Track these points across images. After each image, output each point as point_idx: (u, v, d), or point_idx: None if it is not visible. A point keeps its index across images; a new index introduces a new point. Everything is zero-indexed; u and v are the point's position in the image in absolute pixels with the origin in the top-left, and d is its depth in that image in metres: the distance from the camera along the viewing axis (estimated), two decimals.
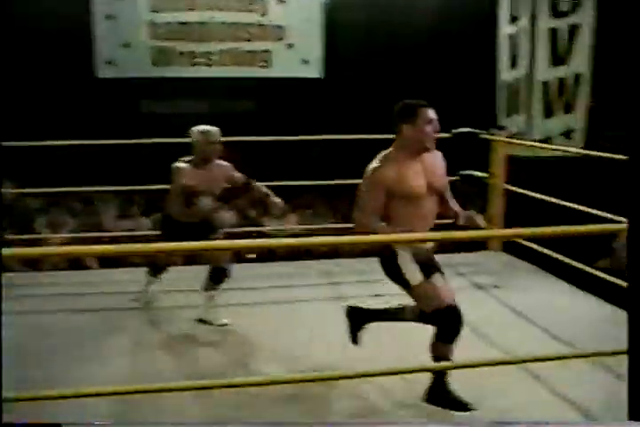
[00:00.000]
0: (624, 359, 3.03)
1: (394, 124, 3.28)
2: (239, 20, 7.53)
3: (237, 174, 4.40)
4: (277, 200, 4.36)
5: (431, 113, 3.25)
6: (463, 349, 3.20)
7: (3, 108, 6.31)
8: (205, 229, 4.28)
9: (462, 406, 3.20)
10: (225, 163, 4.37)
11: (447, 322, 3.16)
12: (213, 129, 4.25)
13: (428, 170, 3.26)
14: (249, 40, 7.62)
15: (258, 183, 4.44)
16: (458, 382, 3.22)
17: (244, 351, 3.93)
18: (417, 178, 3.20)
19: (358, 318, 3.59)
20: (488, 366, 2.42)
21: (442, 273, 3.29)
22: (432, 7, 9.98)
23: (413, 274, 3.18)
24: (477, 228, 3.29)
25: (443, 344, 3.17)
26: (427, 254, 3.27)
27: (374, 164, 3.23)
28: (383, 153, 3.27)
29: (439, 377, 3.23)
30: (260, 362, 3.75)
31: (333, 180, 5.98)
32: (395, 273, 3.23)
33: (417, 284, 3.18)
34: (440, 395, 3.24)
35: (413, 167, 3.21)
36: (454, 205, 3.44)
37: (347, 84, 9.59)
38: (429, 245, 3.29)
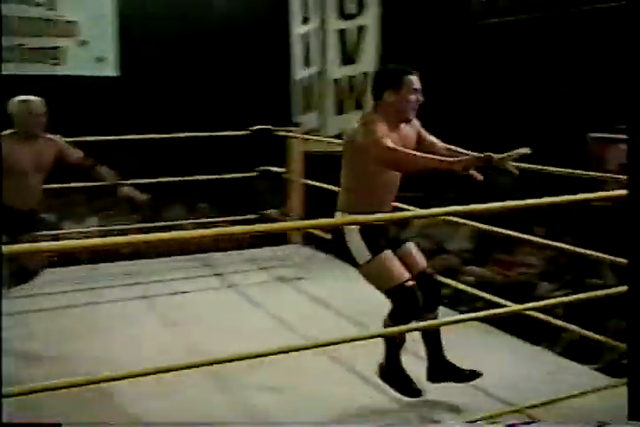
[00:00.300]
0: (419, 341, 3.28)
1: (375, 89, 3.08)
2: (23, 13, 7.19)
3: (72, 150, 3.98)
4: (129, 190, 3.96)
5: (417, 81, 3.05)
6: (271, 340, 3.31)
7: None
8: (28, 222, 3.82)
9: (411, 391, 3.13)
10: (54, 136, 3.95)
11: (398, 302, 2.98)
12: (35, 99, 3.86)
13: (403, 142, 3.05)
14: (37, 36, 7.29)
15: (104, 167, 4.00)
16: (271, 371, 3.30)
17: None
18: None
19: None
20: (295, 351, 2.53)
21: (400, 247, 3.13)
22: (228, 6, 10.09)
23: (360, 252, 3.00)
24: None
25: (392, 325, 3.00)
26: (381, 228, 3.08)
27: (364, 121, 3.00)
28: (366, 116, 3.07)
29: (390, 353, 3.12)
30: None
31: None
32: (343, 252, 3.06)
33: (364, 262, 3.02)
34: (391, 373, 3.15)
35: (392, 136, 2.97)
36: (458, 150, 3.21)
37: (144, 82, 9.47)
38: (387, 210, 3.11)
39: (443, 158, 2.85)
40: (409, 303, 2.96)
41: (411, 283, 2.99)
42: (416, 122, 3.18)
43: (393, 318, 2.99)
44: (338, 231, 3.04)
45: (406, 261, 3.11)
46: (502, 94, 9.29)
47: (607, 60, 7.83)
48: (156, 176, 5.74)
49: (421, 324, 2.97)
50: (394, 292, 2.97)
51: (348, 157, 3.12)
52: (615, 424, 2.40)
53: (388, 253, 3.02)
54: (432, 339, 3.22)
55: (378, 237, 3.04)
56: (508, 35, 9.55)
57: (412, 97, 3.00)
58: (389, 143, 2.85)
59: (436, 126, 3.39)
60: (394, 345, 3.13)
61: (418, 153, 2.88)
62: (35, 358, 3.71)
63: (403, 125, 3.08)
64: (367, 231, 3.00)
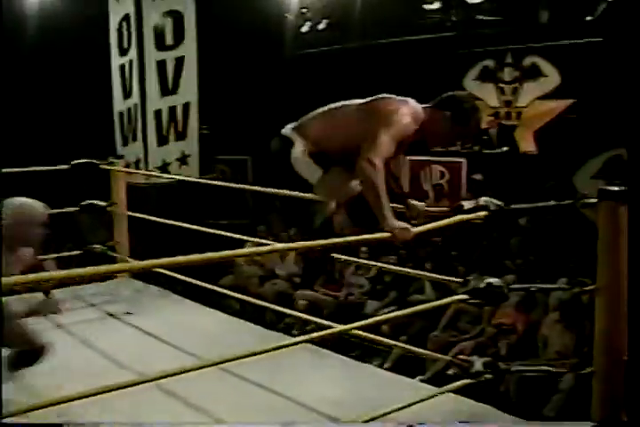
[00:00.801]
0: (246, 364, 3.34)
1: None
2: None
3: None
4: None
5: None
6: (99, 377, 3.23)
7: None
8: None
9: None
10: None
11: None
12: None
13: None
14: None
15: None
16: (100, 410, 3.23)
17: None
18: None
19: None
20: (123, 388, 2.49)
21: None
22: (46, 36, 9.74)
23: None
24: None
25: None
26: None
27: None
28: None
29: None
30: None
31: None
32: None
33: None
34: None
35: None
36: None
37: None
38: None
39: (386, 213, 2.95)
40: None
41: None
42: None
43: None
44: None
45: None
46: None
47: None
48: None
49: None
50: None
51: None
52: None
53: None
54: None
55: None
56: (321, 65, 9.93)
57: None
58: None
59: None
60: None
61: (382, 191, 2.95)
62: None
63: None
64: None
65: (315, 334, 2.91)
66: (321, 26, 10.05)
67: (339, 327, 2.98)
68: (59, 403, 2.42)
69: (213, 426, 3.16)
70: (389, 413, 3.08)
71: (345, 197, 3.19)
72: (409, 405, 3.13)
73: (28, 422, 2.43)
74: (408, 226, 2.94)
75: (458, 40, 8.97)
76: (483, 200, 3.19)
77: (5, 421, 2.05)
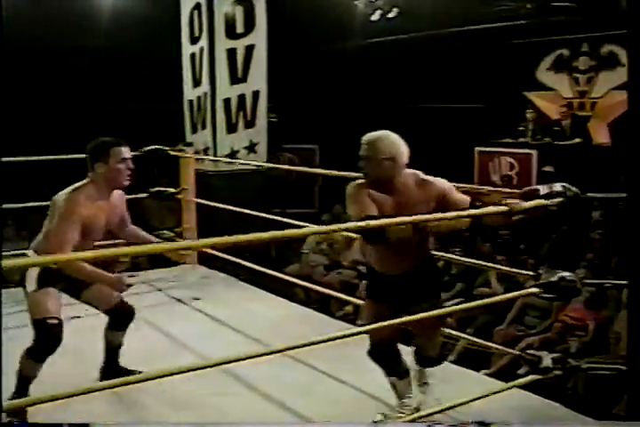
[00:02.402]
0: (315, 353, 3.35)
1: (88, 160, 3.26)
2: None
3: None
4: None
5: (125, 151, 3.28)
6: (166, 360, 3.28)
7: None
8: None
9: None
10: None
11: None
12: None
13: (112, 208, 3.35)
14: None
15: None
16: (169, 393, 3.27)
17: None
18: (104, 216, 3.29)
19: None
20: (193, 370, 2.52)
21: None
22: (117, 25, 9.93)
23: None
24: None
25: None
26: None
27: (66, 194, 3.19)
28: (75, 185, 3.25)
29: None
30: None
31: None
32: None
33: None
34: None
35: (102, 205, 3.26)
36: (145, 234, 3.62)
37: (26, 106, 9.19)
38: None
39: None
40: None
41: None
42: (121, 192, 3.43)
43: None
44: None
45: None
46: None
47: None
48: (43, 199, 5.57)
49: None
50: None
51: None
52: None
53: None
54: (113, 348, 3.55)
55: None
56: (391, 53, 9.82)
57: (122, 166, 3.25)
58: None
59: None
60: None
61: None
62: None
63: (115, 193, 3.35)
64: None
65: (379, 324, 2.88)
66: (391, 14, 9.95)
67: (404, 318, 2.94)
68: (131, 383, 2.45)
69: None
70: (456, 406, 3.03)
71: None
72: (475, 399, 3.08)
73: (28, 421, 2.48)
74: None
75: (532, 28, 8.76)
76: (559, 186, 3.04)
77: (4, 420, 2.09)
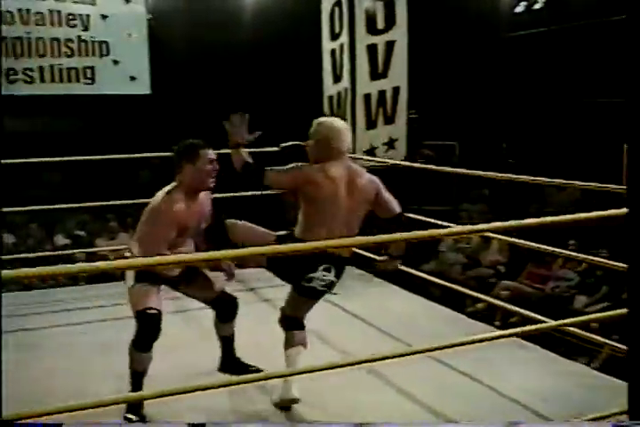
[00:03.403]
0: (454, 353, 3.30)
1: (175, 162, 3.37)
2: (58, 35, 7.34)
3: None
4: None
5: (211, 153, 3.38)
6: (308, 355, 3.33)
7: None
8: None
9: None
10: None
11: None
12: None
13: (199, 210, 3.41)
14: (70, 56, 7.43)
15: None
16: (306, 386, 3.31)
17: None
18: (195, 217, 3.38)
19: None
20: (333, 368, 2.54)
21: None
22: (259, 23, 10.18)
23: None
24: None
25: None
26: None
27: (160, 197, 3.31)
28: (167, 188, 3.36)
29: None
30: None
31: None
32: None
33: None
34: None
35: (193, 206, 3.35)
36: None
37: (174, 99, 9.58)
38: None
39: None
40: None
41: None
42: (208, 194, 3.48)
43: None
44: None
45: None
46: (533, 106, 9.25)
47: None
48: None
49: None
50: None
51: None
52: None
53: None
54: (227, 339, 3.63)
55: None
56: (537, 47, 9.52)
57: (209, 167, 3.33)
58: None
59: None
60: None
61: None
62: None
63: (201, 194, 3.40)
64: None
65: (526, 328, 2.79)
66: (537, 5, 9.64)
67: (550, 323, 2.84)
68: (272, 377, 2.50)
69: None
70: (605, 417, 2.89)
71: None
72: (626, 411, 2.93)
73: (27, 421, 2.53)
74: None
75: None
76: None
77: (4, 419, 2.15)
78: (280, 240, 3.26)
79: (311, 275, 3.24)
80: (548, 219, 2.65)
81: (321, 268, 3.23)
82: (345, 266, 3.38)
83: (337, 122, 3.39)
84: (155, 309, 3.29)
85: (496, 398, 3.46)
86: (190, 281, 3.52)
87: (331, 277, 3.28)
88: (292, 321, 3.42)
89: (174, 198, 3.31)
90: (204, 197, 3.47)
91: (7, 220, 9.15)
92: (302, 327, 3.43)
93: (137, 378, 3.31)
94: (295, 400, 3.28)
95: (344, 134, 3.32)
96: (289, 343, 3.37)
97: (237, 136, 3.26)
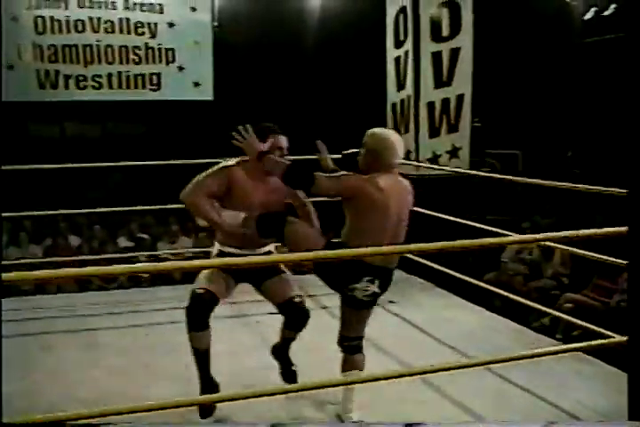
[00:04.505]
0: (511, 366, 3.24)
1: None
2: (127, 42, 7.50)
3: None
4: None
5: (282, 141, 3.43)
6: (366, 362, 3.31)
7: None
8: None
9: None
10: None
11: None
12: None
13: (264, 189, 3.44)
14: (138, 63, 7.58)
15: None
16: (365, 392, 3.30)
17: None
18: (260, 195, 3.42)
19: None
20: (388, 379, 2.51)
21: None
22: (322, 30, 10.22)
23: None
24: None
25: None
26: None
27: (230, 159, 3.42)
28: (241, 158, 3.43)
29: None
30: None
31: None
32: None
33: None
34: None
35: (259, 185, 3.41)
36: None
37: (237, 105, 9.67)
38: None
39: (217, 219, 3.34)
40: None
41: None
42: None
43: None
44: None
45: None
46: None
47: None
48: None
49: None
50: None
51: None
52: None
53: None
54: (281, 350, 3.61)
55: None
56: (607, 54, 9.31)
57: (276, 154, 3.34)
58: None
59: None
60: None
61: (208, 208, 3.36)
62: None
63: (272, 179, 3.40)
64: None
65: (593, 342, 2.72)
66: (607, 11, 9.41)
67: (617, 338, 2.75)
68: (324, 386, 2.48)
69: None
70: None
71: None
72: None
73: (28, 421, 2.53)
74: None
75: None
76: None
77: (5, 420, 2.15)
78: (329, 247, 3.23)
79: (354, 285, 3.20)
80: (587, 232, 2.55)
81: (365, 279, 3.19)
82: (391, 278, 3.32)
83: (389, 134, 3.35)
84: (206, 289, 3.30)
85: (556, 414, 3.37)
86: (265, 277, 3.50)
87: (374, 288, 3.23)
88: (350, 342, 3.35)
89: (235, 167, 3.40)
90: (279, 184, 3.37)
91: (72, 221, 9.37)
92: (360, 350, 3.36)
93: (199, 357, 3.34)
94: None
95: (395, 147, 3.27)
96: (346, 367, 3.31)
97: (252, 148, 3.31)
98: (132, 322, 4.68)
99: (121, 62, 7.53)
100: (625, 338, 2.94)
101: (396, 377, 2.48)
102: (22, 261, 7.26)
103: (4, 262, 6.62)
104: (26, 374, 3.79)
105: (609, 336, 3.53)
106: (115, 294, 5.86)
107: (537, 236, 2.85)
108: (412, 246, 2.44)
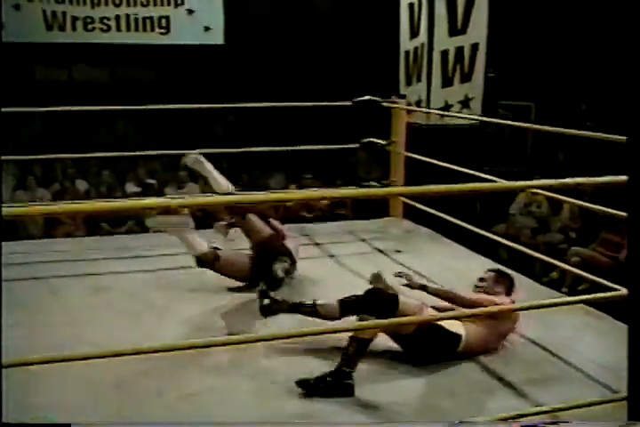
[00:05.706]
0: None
1: None
2: None
3: None
4: None
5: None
6: None
7: None
8: None
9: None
10: None
11: None
12: None
13: None
14: (145, 5, 7.44)
15: None
16: None
17: None
18: None
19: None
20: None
21: None
22: None
23: None
24: None
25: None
26: None
27: None
28: None
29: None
30: None
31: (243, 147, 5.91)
32: None
33: None
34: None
35: None
36: None
37: (248, 51, 9.54)
38: None
39: None
40: None
41: None
42: None
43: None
44: None
45: None
46: None
47: None
48: (258, 145, 5.79)
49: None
50: None
51: None
52: None
53: None
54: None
55: None
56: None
57: None
58: None
59: None
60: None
61: None
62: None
63: None
64: None
65: (598, 295, 2.71)
66: None
67: (622, 291, 2.74)
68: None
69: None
70: None
71: None
72: None
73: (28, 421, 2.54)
74: None
75: None
76: None
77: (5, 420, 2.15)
78: None
79: None
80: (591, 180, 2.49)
81: None
82: None
83: None
84: None
85: (562, 368, 3.38)
86: None
87: None
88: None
89: None
90: None
91: (80, 167, 9.36)
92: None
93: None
94: None
95: None
96: None
97: None
98: (141, 267, 4.69)
99: (128, 4, 7.40)
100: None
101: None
102: (30, 204, 7.27)
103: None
104: (35, 316, 3.82)
105: (615, 290, 3.51)
106: (123, 239, 5.87)
107: (530, 182, 2.80)
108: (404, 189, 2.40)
